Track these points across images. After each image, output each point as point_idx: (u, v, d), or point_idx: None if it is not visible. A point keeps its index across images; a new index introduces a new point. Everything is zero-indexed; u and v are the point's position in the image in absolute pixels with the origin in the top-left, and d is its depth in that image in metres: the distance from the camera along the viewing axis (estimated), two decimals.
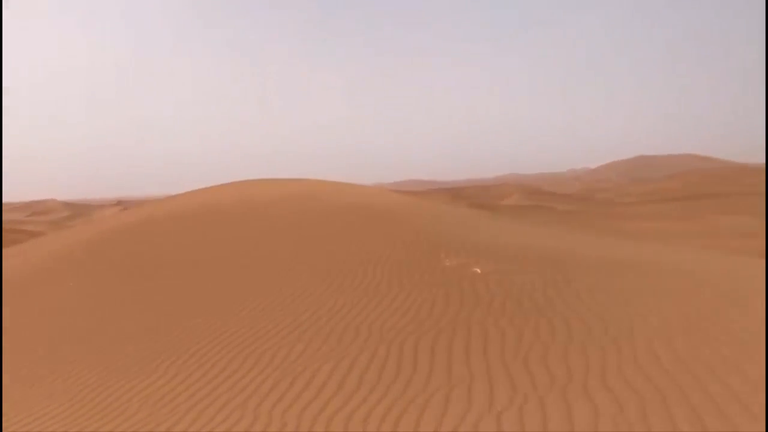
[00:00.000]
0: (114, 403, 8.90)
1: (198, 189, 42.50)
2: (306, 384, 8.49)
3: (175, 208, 33.27)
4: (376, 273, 14.16)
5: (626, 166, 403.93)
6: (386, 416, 7.22)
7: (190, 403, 8.48)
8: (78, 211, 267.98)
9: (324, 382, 8.44)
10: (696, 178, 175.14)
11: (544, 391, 7.29)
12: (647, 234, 47.81)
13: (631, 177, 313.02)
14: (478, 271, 13.06)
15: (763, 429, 6.08)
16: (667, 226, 57.69)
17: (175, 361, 10.27)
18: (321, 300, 12.60)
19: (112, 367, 10.51)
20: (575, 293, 10.76)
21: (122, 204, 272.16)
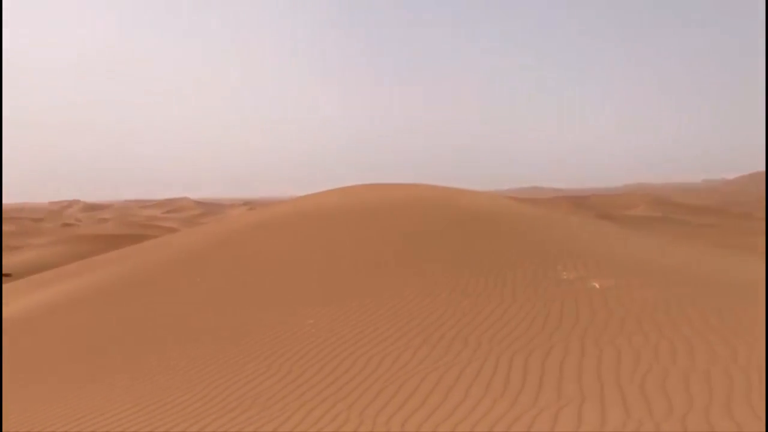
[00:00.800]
0: (229, 397, 9.28)
1: (318, 192, 43.70)
2: (412, 392, 8.48)
3: (297, 210, 34.39)
4: (488, 283, 13.95)
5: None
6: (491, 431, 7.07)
7: (299, 402, 8.70)
8: (209, 209, 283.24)
9: (430, 391, 8.39)
10: None
11: (660, 418, 6.87)
12: None
13: None
14: (597, 285, 12.55)
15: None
16: None
17: (289, 359, 10.58)
18: (431, 308, 12.56)
19: (231, 361, 10.97)
20: (701, 314, 10.10)
21: (249, 204, 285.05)
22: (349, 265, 18.55)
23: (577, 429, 6.85)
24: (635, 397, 7.40)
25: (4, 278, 71.26)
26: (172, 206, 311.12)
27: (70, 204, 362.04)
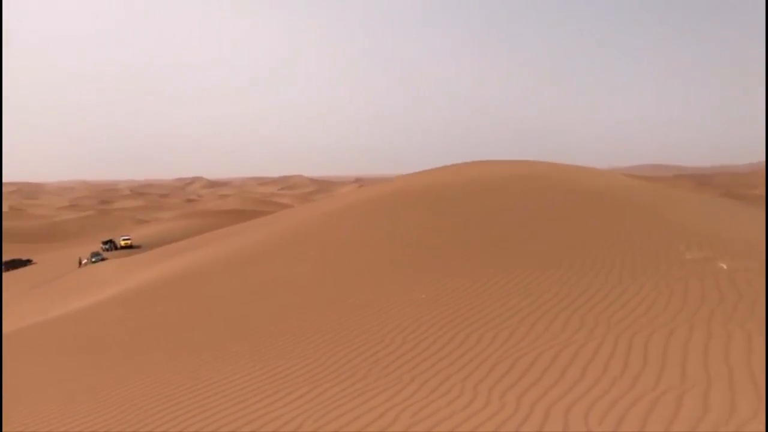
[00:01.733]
0: (343, 366, 9.55)
1: (428, 169, 43.75)
2: (527, 368, 8.40)
3: (406, 187, 34.62)
4: (606, 262, 13.53)
5: None
6: (609, 412, 6.90)
7: (412, 374, 8.83)
8: (322, 186, 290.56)
9: (545, 369, 8.28)
10: None
11: None
12: None
13: None
14: (724, 266, 11.88)
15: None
16: None
17: (402, 332, 10.74)
18: (546, 285, 12.35)
19: (342, 333, 11.27)
20: None
21: (360, 181, 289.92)
22: (462, 242, 18.53)
23: (703, 414, 6.56)
24: None
25: (134, 249, 76.44)
26: (287, 183, 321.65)
27: (193, 181, 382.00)
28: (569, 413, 7.01)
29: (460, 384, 8.22)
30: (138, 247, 78.43)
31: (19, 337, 19.67)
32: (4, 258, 79.10)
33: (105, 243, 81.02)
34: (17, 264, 75.22)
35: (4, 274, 70.75)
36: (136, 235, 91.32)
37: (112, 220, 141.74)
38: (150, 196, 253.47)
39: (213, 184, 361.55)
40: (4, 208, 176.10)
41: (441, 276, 14.49)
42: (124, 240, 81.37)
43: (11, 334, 21.34)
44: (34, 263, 76.45)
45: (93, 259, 68.12)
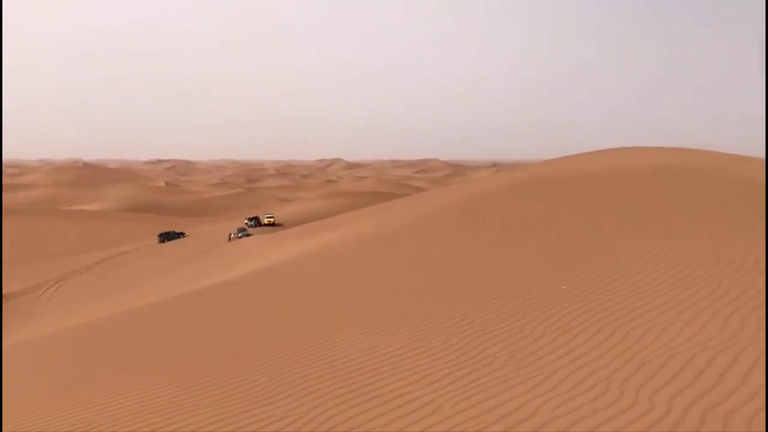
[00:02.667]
0: (482, 353, 9.42)
1: (573, 155, 42.31)
2: (679, 369, 7.88)
3: (546, 173, 33.67)
4: None
5: None
6: None
7: (556, 365, 8.55)
8: (457, 170, 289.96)
9: (701, 371, 7.72)
10: None
11: None
12: None
13: None
14: None
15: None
16: None
17: (543, 321, 10.44)
18: (702, 281, 11.54)
19: (480, 319, 11.12)
20: None
21: (497, 166, 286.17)
22: (607, 230, 17.76)
23: None
24: None
25: (277, 227, 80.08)
26: (422, 166, 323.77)
27: (333, 162, 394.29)
28: (727, 423, 6.49)
29: (605, 380, 7.85)
30: (280, 225, 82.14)
31: (175, 305, 21.17)
32: (162, 229, 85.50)
33: (250, 219, 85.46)
34: (172, 236, 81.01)
35: (162, 245, 76.55)
36: (278, 213, 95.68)
37: (258, 198, 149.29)
38: (293, 176, 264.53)
39: (351, 166, 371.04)
40: (160, 184, 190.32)
41: (586, 266, 13.95)
42: (267, 218, 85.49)
43: (169, 300, 23.02)
44: (187, 235, 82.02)
45: (239, 234, 72.06)
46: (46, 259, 78.41)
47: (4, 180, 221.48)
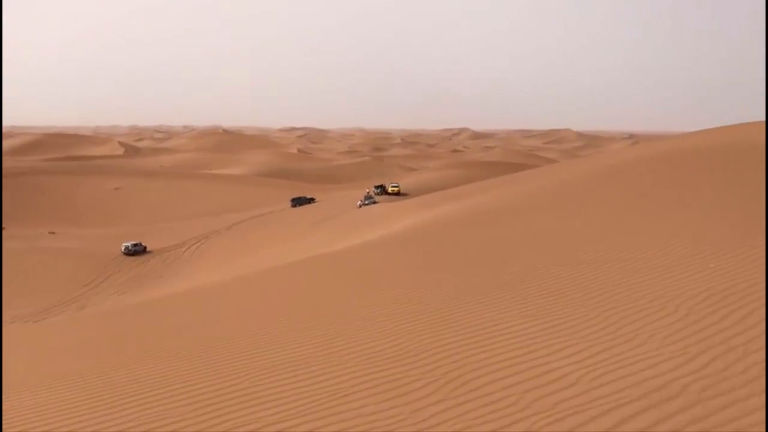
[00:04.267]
0: (621, 329, 9.10)
1: (715, 128, 39.56)
2: None
3: (682, 146, 31.68)
4: None
5: None
6: None
7: (701, 346, 8.13)
8: (590, 142, 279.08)
9: None
10: None
11: None
12: None
13: None
14: None
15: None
16: None
17: (687, 300, 9.92)
18: None
19: (615, 294, 10.73)
20: None
21: (634, 138, 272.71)
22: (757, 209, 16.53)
23: None
24: None
25: (401, 196, 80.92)
26: (553, 137, 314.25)
27: (460, 132, 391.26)
28: None
29: (761, 363, 7.37)
30: (405, 194, 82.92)
31: (309, 266, 22.02)
32: (294, 195, 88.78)
33: (377, 187, 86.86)
34: (303, 201, 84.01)
35: (294, 209, 79.59)
36: (404, 182, 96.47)
37: (384, 167, 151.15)
38: (419, 146, 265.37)
39: (478, 136, 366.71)
40: (293, 150, 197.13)
41: (733, 246, 13.07)
42: (392, 187, 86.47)
43: (302, 261, 23.95)
44: (317, 201, 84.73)
45: (366, 202, 73.50)
46: (189, 219, 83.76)
47: (152, 144, 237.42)
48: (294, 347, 9.88)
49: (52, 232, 77.10)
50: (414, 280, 14.37)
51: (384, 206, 65.25)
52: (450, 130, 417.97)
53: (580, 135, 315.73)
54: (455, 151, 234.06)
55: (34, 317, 42.69)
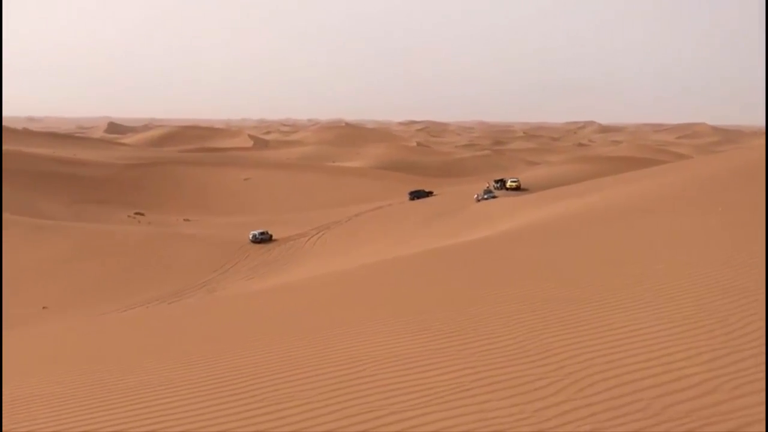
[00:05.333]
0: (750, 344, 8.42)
1: None
2: None
3: None
4: None
5: None
6: None
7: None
8: (727, 137, 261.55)
9: None
10: None
11: None
12: None
13: None
14: None
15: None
16: None
17: None
18: None
19: (748, 299, 9.94)
20: None
21: None
22: None
23: None
24: None
25: (521, 192, 79.33)
26: (686, 131, 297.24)
27: (585, 125, 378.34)
28: None
29: None
30: (525, 189, 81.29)
31: (425, 258, 22.05)
32: (413, 188, 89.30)
33: (496, 182, 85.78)
34: (421, 194, 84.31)
35: (412, 202, 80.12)
36: (525, 176, 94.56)
37: (505, 161, 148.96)
38: (541, 139, 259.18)
39: (605, 129, 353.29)
40: (412, 144, 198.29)
41: None
42: (512, 182, 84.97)
43: (421, 254, 24.03)
44: (435, 195, 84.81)
45: (485, 196, 72.73)
46: (311, 210, 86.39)
47: (279, 136, 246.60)
48: (411, 338, 9.89)
49: (187, 219, 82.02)
50: (536, 278, 14.02)
51: (503, 201, 64.30)
52: (575, 123, 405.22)
53: (716, 129, 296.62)
54: (580, 145, 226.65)
55: (168, 299, 45.63)
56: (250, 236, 63.00)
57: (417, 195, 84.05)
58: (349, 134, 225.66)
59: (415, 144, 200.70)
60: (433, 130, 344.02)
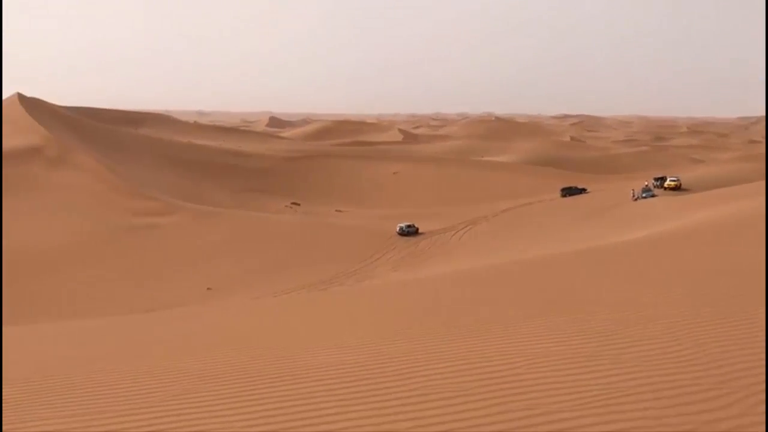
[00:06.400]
0: None
1: None
2: None
3: None
4: None
5: None
6: None
7: None
8: None
9: None
10: None
11: None
12: None
13: None
14: None
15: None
16: None
17: None
18: None
19: None
20: None
21: None
22: None
23: None
24: None
25: (681, 191, 74.26)
26: None
27: (759, 120, 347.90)
28: None
29: None
30: (686, 190, 76.09)
31: (578, 258, 21.21)
32: (565, 184, 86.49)
33: (656, 180, 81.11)
34: (574, 191, 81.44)
35: (564, 199, 77.66)
36: (687, 175, 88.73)
37: (666, 157, 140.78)
38: (707, 135, 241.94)
39: None
40: (566, 138, 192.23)
41: None
42: (671, 180, 79.96)
43: (572, 253, 23.16)
44: (588, 192, 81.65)
45: (643, 195, 69.01)
46: (458, 205, 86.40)
47: (428, 131, 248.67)
48: (567, 339, 9.47)
49: (339, 210, 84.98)
50: (707, 282, 12.99)
51: (663, 200, 60.71)
52: (747, 118, 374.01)
53: None
54: (752, 142, 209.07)
55: (319, 286, 47.50)
56: (398, 229, 64.10)
57: (569, 192, 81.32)
58: (499, 128, 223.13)
59: (568, 138, 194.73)
60: (588, 124, 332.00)
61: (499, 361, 8.61)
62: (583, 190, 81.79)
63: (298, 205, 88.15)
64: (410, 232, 63.31)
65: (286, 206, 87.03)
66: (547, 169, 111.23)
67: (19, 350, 14.12)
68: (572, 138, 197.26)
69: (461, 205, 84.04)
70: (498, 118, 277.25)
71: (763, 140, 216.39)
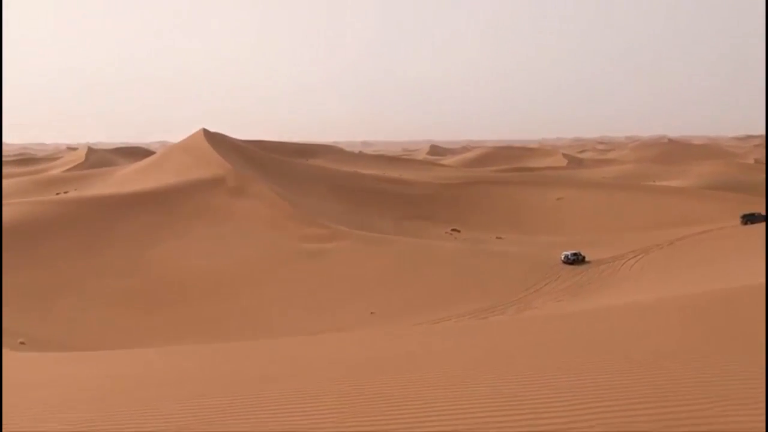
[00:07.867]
0: None
1: None
2: None
3: None
4: None
5: None
6: None
7: None
8: None
9: None
10: None
11: None
12: None
13: None
14: None
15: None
16: None
17: None
18: None
19: None
20: None
21: None
22: None
23: None
24: None
25: None
26: None
27: None
28: None
29: None
30: None
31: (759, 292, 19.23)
32: (746, 210, 79.28)
33: None
34: (757, 218, 74.44)
35: (745, 227, 71.20)
36: None
37: None
38: None
39: None
40: (749, 161, 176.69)
41: None
42: None
43: (754, 287, 21.11)
44: None
45: None
46: (628, 232, 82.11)
47: (594, 155, 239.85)
48: (727, 380, 8.61)
49: (499, 237, 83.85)
50: None
51: None
52: None
53: None
54: None
55: (478, 314, 46.97)
56: (562, 257, 62.02)
57: (751, 219, 74.45)
58: (673, 151, 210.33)
59: (752, 161, 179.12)
60: None
61: (682, 399, 7.99)
62: (765, 217, 74.59)
63: (458, 231, 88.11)
64: (576, 260, 60.90)
65: (446, 233, 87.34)
66: (725, 194, 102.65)
67: (220, 367, 15.20)
68: (756, 160, 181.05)
69: (631, 233, 79.68)
70: (671, 140, 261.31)
71: None
